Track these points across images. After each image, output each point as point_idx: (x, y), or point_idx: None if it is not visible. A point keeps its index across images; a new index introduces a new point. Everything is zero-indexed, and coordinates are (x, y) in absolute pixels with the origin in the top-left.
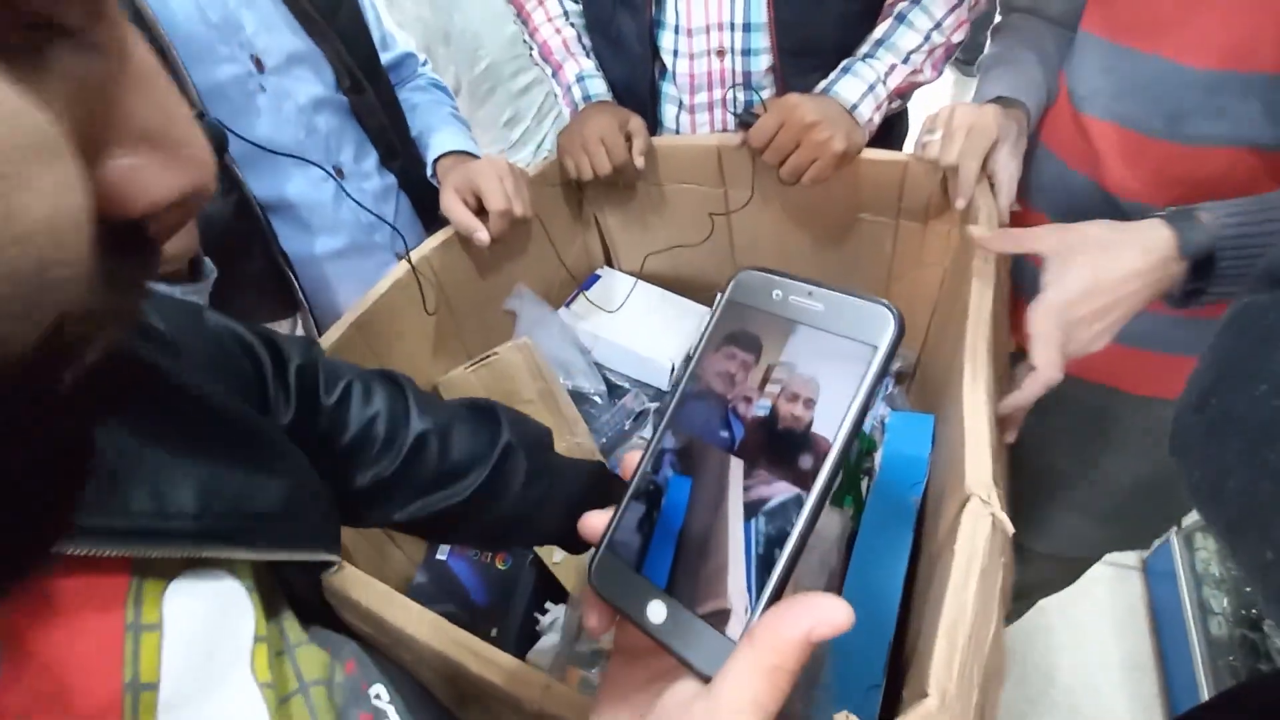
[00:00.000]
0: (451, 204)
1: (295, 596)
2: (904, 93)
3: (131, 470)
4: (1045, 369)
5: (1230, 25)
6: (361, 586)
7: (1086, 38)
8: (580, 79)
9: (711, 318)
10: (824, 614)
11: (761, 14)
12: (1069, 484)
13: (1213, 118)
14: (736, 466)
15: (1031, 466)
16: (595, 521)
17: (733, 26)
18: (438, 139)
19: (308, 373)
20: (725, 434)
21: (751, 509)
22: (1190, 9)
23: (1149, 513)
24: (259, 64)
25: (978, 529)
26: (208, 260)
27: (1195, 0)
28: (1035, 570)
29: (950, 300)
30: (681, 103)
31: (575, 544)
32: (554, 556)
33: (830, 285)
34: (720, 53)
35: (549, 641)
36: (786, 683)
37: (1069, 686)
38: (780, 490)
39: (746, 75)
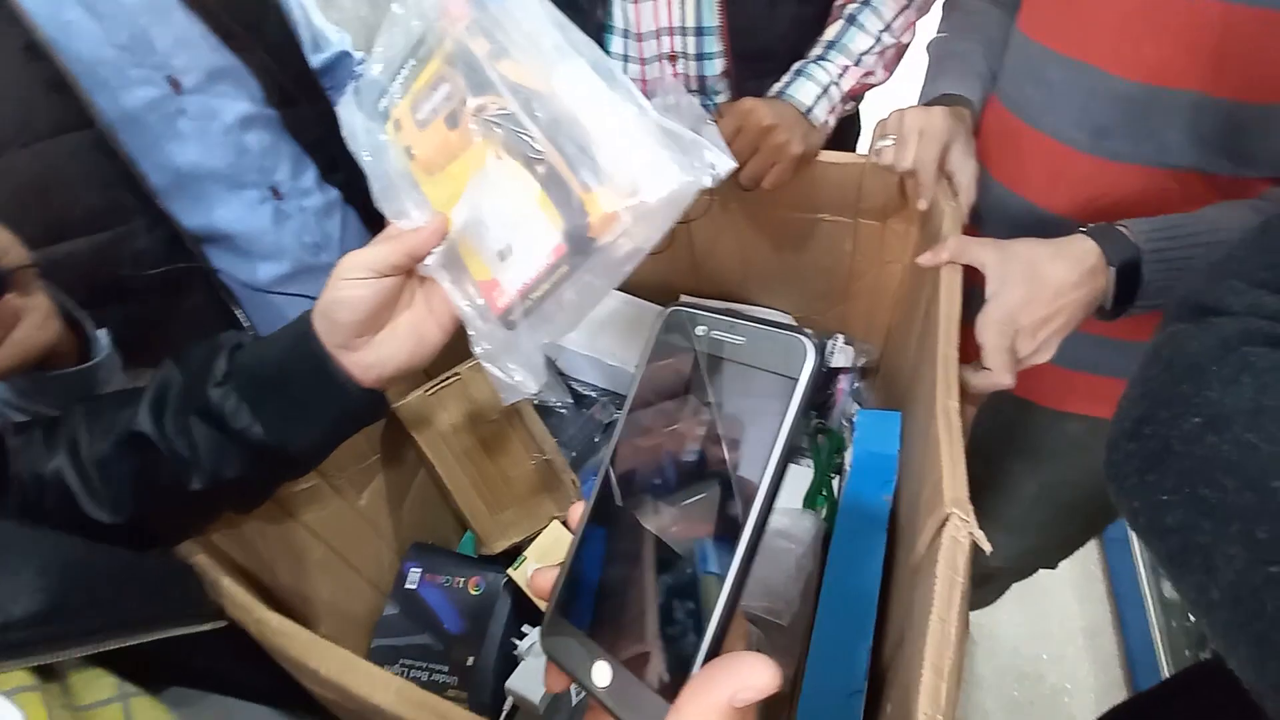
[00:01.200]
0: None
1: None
2: (857, 94)
3: None
4: (998, 374)
5: (1162, 40)
6: (321, 651)
7: (1020, 38)
8: None
9: (643, 359)
10: (746, 679)
11: (714, 17)
12: (979, 490)
13: (1136, 135)
14: (671, 516)
15: None
16: (544, 580)
17: (684, 31)
18: None
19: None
20: (659, 481)
21: (686, 562)
22: (1125, 17)
23: (1055, 527)
24: (176, 84)
25: (958, 550)
26: (100, 335)
27: (1130, 9)
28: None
29: (911, 295)
30: None
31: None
32: (529, 578)
33: (752, 317)
34: (672, 57)
35: (529, 668)
36: None
37: (1033, 655)
38: (713, 540)
39: (700, 80)
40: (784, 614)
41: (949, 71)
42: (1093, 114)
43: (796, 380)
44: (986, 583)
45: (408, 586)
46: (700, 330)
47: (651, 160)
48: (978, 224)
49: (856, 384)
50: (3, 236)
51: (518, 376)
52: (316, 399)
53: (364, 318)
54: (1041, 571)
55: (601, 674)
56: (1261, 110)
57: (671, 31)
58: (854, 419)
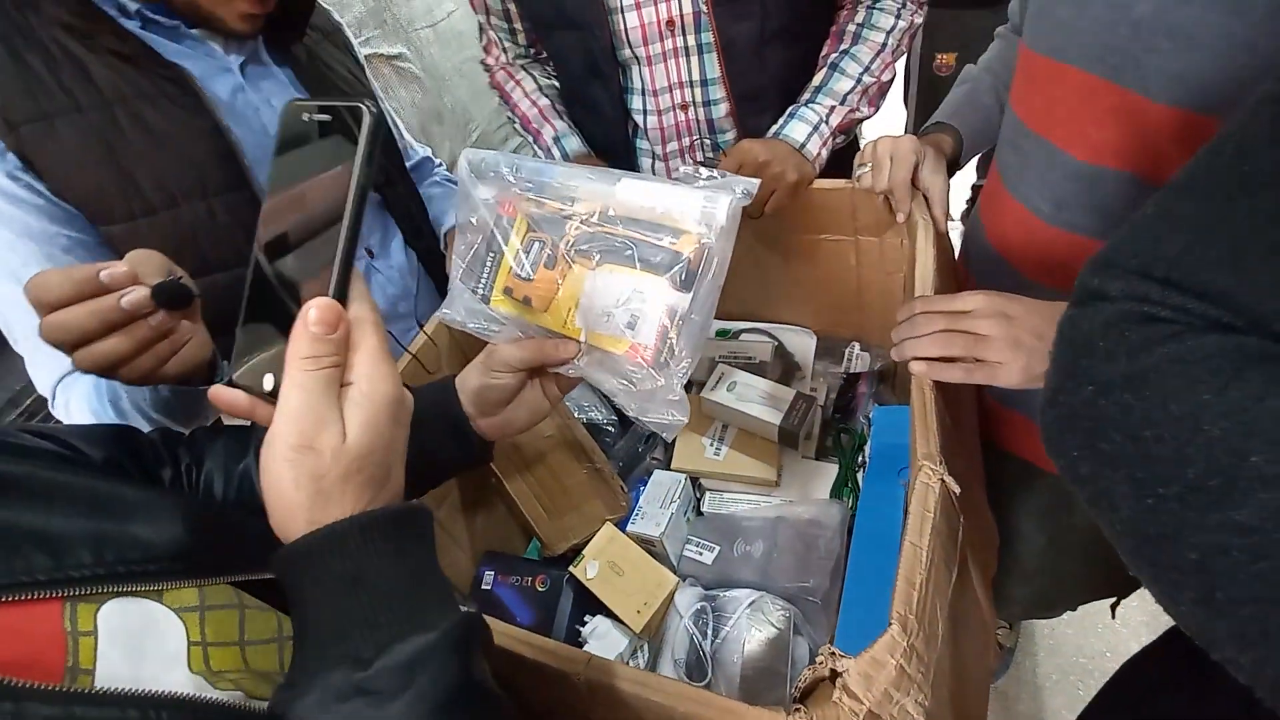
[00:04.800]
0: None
1: None
2: (846, 129)
3: (30, 539)
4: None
5: (1104, 124)
6: None
7: (1009, 111)
8: (556, 140)
9: (274, 151)
10: (308, 314)
11: (715, 70)
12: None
13: (1086, 209)
14: (297, 256)
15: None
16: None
17: (692, 84)
18: (448, 217)
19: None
20: (281, 240)
21: (308, 279)
22: (1077, 103)
23: (1067, 573)
24: None
25: (929, 491)
26: (224, 363)
27: (1080, 98)
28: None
29: None
30: (655, 154)
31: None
32: (588, 573)
33: (333, 98)
34: (684, 106)
35: (591, 649)
36: (313, 364)
37: (1097, 653)
38: (321, 263)
39: (709, 122)
40: (816, 591)
41: (953, 100)
42: (1053, 186)
43: (358, 136)
44: (1015, 616)
45: (484, 587)
46: (305, 118)
47: (707, 198)
48: (968, 266)
49: (877, 386)
50: (178, 271)
51: (670, 415)
52: (451, 445)
53: (505, 398)
54: None
55: (269, 381)
56: None
57: (682, 85)
58: (870, 417)
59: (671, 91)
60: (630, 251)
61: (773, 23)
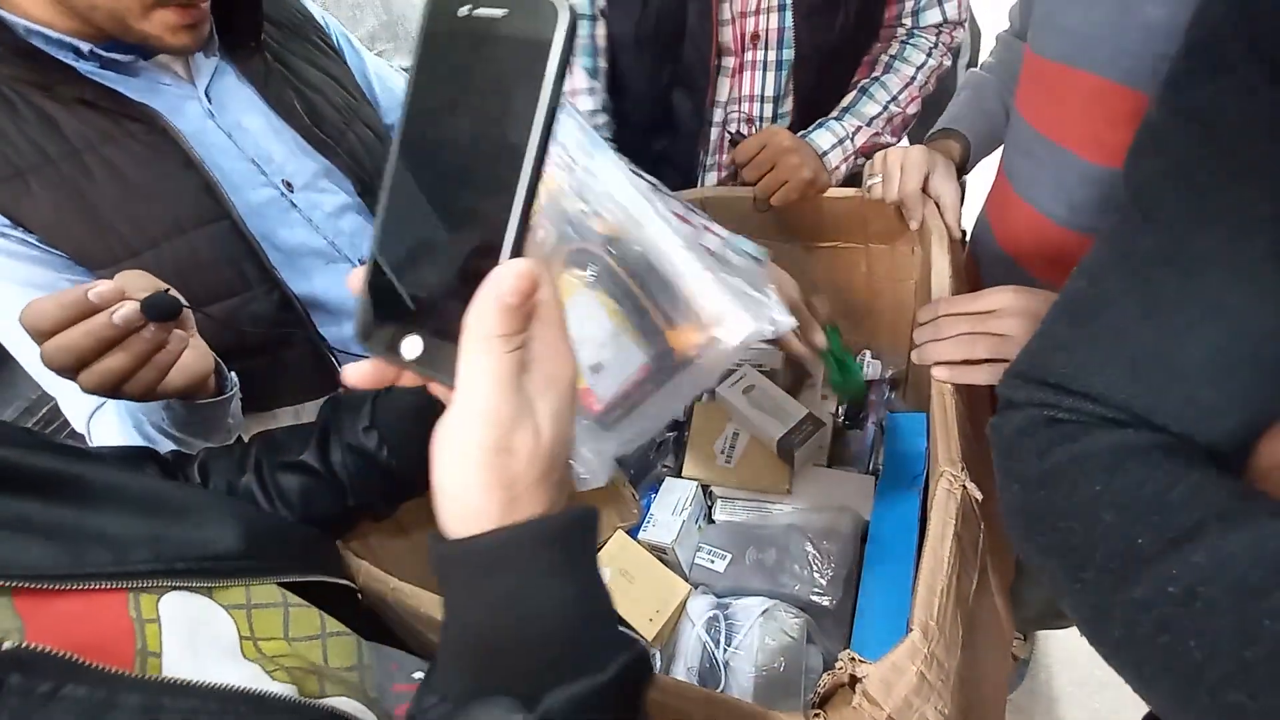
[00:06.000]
0: None
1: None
2: (867, 152)
3: (92, 537)
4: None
5: (1117, 127)
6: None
7: (1015, 113)
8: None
9: (415, 46)
10: (502, 280)
11: (787, 85)
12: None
13: (1104, 211)
14: (449, 192)
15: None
16: (354, 282)
17: (764, 98)
18: None
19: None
20: (442, 161)
21: (467, 226)
22: (1091, 107)
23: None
24: (289, 186)
25: (950, 498)
26: (231, 375)
27: (1092, 101)
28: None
29: None
30: (708, 164)
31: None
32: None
33: None
34: (750, 120)
35: None
36: (506, 345)
37: None
38: (492, 203)
39: None
40: (829, 600)
41: (958, 105)
42: (1068, 190)
43: (549, 40)
44: (1029, 626)
45: None
46: (463, 10)
47: (730, 311)
48: (979, 269)
49: (889, 394)
50: (166, 285)
51: (583, 472)
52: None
53: None
54: None
55: (411, 347)
56: None
57: (752, 99)
58: (884, 424)
59: (740, 103)
60: (628, 300)
61: (848, 33)
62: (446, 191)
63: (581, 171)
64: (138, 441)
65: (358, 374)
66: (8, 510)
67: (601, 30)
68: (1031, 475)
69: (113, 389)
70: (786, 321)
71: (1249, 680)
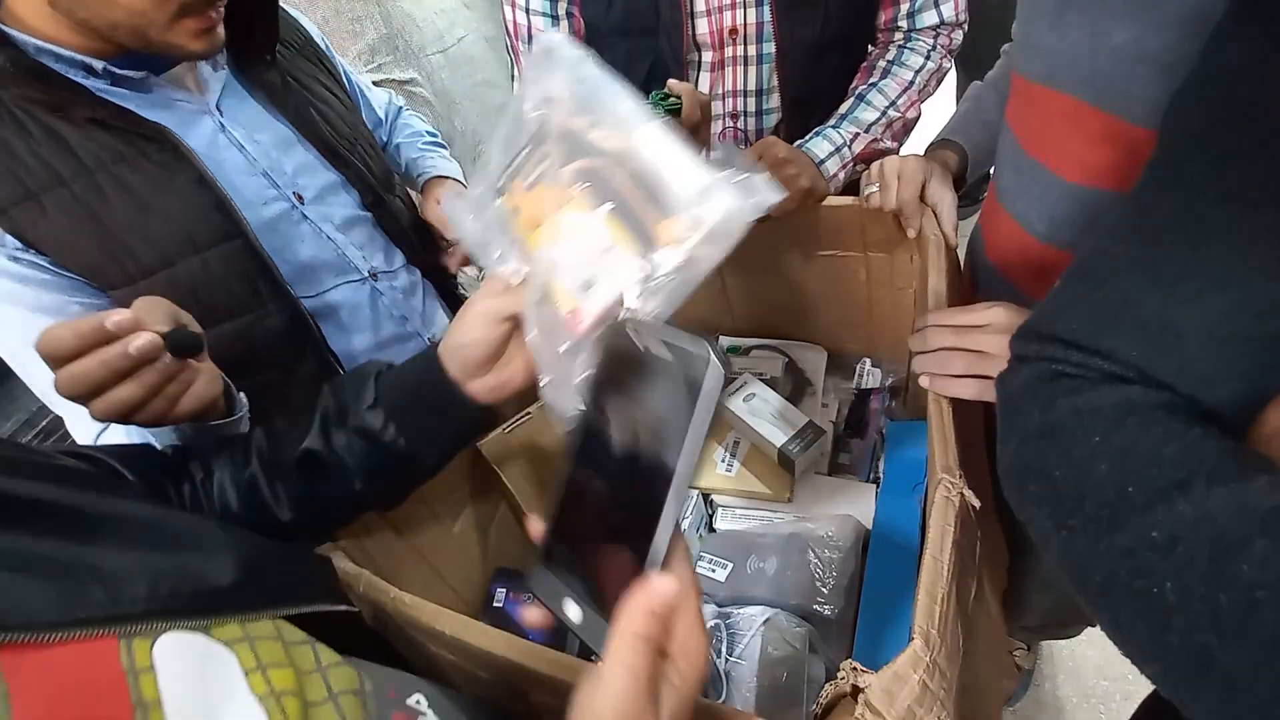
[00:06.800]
0: (429, 210)
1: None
2: (867, 158)
3: (87, 574)
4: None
5: (1090, 146)
6: (443, 617)
7: (1006, 129)
8: None
9: (597, 355)
10: (654, 593)
11: (772, 79)
12: (1016, 554)
13: (1081, 229)
14: (612, 491)
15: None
16: (534, 529)
17: (747, 93)
18: (425, 163)
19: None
20: (608, 463)
21: (623, 526)
22: (1068, 126)
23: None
24: (300, 199)
25: (948, 506)
26: (241, 395)
27: (1070, 122)
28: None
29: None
30: None
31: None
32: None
33: (672, 332)
34: (735, 115)
35: None
36: (647, 648)
37: (1118, 675)
38: (644, 510)
39: (759, 132)
40: (831, 608)
41: (958, 116)
42: (1049, 206)
43: (700, 388)
44: (1033, 637)
45: (495, 605)
46: (634, 338)
47: (710, 189)
48: (975, 279)
49: (889, 402)
50: (184, 316)
51: (559, 398)
52: (446, 418)
53: (488, 355)
54: None
55: (573, 610)
56: None
57: (735, 93)
58: (884, 432)
59: (724, 99)
60: (624, 211)
61: (832, 29)
62: (613, 488)
63: (580, 86)
64: None
65: (531, 618)
66: None
67: (566, 27)
68: (1032, 427)
69: (123, 417)
70: (772, 196)
71: (1218, 623)
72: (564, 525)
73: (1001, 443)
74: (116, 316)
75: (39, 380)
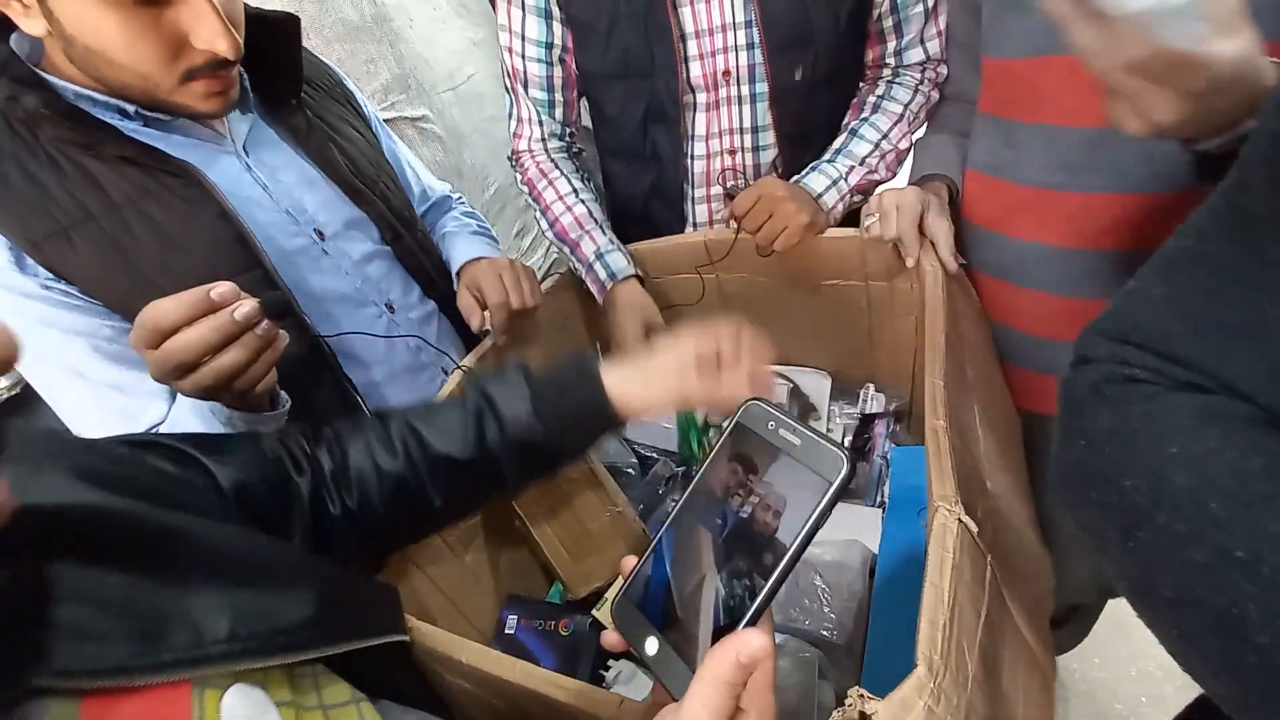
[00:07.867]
0: (461, 298)
1: (366, 673)
2: (864, 189)
3: (173, 612)
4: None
5: (1096, 90)
6: (460, 646)
7: (984, 119)
8: (599, 255)
9: (723, 434)
10: (745, 644)
11: (766, 117)
12: (1050, 527)
13: (1099, 168)
14: (720, 549)
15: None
16: (627, 564)
17: (743, 130)
18: (458, 253)
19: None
20: (719, 522)
21: (724, 583)
22: (1070, 80)
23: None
24: (320, 234)
25: (946, 532)
26: (283, 393)
27: (1071, 74)
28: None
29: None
30: (696, 196)
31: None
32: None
33: (809, 428)
34: (732, 151)
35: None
36: (729, 693)
37: (1132, 698)
38: (747, 573)
39: (756, 167)
40: (839, 634)
41: (929, 158)
42: (1061, 157)
43: (831, 482)
44: (1069, 619)
45: (507, 631)
46: (771, 425)
47: None
48: (968, 259)
49: (894, 427)
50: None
51: None
52: (590, 417)
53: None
54: (1132, 612)
55: (651, 645)
56: None
57: (732, 131)
58: (889, 457)
59: (720, 137)
60: None
61: (822, 67)
62: (721, 553)
63: None
64: None
65: (610, 641)
66: (84, 586)
67: (560, 71)
68: (1100, 432)
69: (225, 382)
70: None
71: None
72: (648, 570)
73: (1061, 446)
74: (221, 288)
75: (67, 404)
